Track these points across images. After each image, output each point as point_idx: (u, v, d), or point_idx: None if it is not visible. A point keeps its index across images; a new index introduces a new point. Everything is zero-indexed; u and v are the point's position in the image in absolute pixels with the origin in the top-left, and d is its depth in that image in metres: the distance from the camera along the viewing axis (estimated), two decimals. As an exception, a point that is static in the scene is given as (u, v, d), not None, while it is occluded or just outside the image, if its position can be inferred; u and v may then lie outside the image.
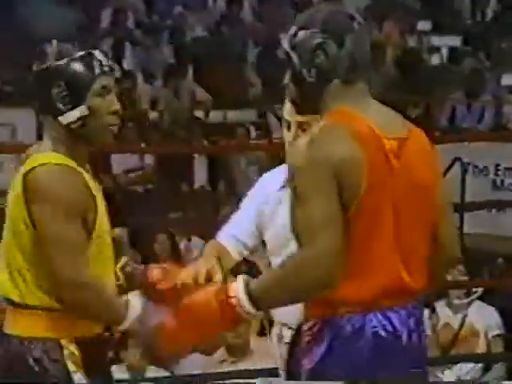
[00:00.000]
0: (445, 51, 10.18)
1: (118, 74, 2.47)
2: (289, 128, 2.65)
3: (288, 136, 2.65)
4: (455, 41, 10.30)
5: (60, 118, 2.37)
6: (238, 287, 2.09)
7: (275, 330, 2.90)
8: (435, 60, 10.10)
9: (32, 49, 9.36)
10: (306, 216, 2.06)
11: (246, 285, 2.08)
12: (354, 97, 2.15)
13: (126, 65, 9.55)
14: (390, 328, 2.15)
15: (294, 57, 2.15)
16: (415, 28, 10.47)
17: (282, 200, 2.62)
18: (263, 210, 2.78)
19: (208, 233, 6.67)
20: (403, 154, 2.12)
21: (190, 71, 9.52)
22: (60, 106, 2.36)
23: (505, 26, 10.30)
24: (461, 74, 9.36)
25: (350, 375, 2.12)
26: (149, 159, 8.19)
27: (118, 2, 10.40)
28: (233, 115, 9.11)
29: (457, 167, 6.11)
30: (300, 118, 2.55)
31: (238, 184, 8.10)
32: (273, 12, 10.71)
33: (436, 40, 10.36)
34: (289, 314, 2.58)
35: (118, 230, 6.83)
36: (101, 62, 2.42)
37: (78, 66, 2.39)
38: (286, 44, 2.18)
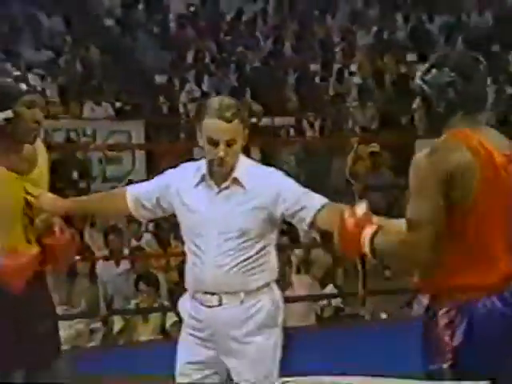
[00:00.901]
0: (427, 75, 10.10)
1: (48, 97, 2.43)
2: (216, 145, 2.23)
3: (216, 152, 2.22)
4: (434, 68, 10.22)
5: None
6: (368, 232, 1.89)
7: None
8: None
9: (142, 79, 9.48)
10: (417, 207, 1.84)
11: (374, 233, 1.89)
12: (472, 123, 1.91)
13: (204, 88, 9.56)
14: (508, 307, 1.91)
15: (426, 89, 1.91)
16: (405, 59, 10.42)
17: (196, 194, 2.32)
18: (170, 192, 2.36)
19: None
20: (510, 167, 1.90)
21: (248, 91, 9.53)
22: None
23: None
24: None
25: (488, 351, 1.89)
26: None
27: (197, 45, 10.40)
28: (278, 121, 9.03)
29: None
30: (228, 137, 2.22)
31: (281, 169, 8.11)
32: (306, 48, 10.72)
33: (420, 67, 10.25)
34: None
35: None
36: (30, 84, 2.36)
37: (9, 82, 2.34)
38: (418, 77, 1.95)
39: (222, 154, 2.21)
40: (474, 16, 11.68)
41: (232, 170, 2.28)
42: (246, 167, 2.31)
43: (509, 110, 9.00)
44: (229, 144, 2.24)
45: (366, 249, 1.90)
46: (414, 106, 1.97)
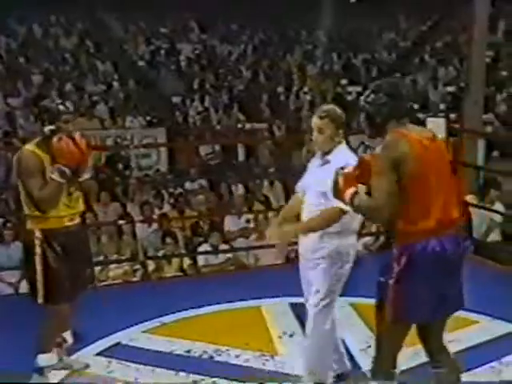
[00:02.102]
0: (354, 93, 10.05)
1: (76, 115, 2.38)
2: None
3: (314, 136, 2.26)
4: (359, 88, 10.16)
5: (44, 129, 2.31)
6: (349, 192, 1.90)
7: None
8: (349, 98, 9.97)
9: (164, 100, 9.30)
10: (378, 183, 1.85)
11: (354, 193, 1.90)
12: (402, 124, 1.90)
13: (206, 104, 9.35)
14: (442, 247, 1.86)
15: (368, 108, 1.91)
16: (340, 83, 10.31)
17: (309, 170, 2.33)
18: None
19: (246, 181, 6.71)
20: (431, 146, 1.89)
21: (236, 107, 9.32)
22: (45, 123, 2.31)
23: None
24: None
25: (422, 280, 1.85)
26: (217, 148, 8.03)
27: (200, 76, 10.17)
28: (256, 126, 8.83)
29: (361, 148, 6.05)
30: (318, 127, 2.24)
31: (260, 158, 7.97)
32: (274, 76, 10.54)
33: (350, 88, 10.20)
34: None
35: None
36: (67, 107, 2.31)
37: (54, 106, 2.33)
38: (362, 100, 1.94)
39: (313, 137, 2.26)
40: (383, 54, 11.62)
41: (328, 152, 2.25)
42: (337, 153, 2.25)
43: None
44: (319, 132, 2.25)
45: (348, 202, 1.92)
46: (361, 119, 1.96)
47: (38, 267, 2.29)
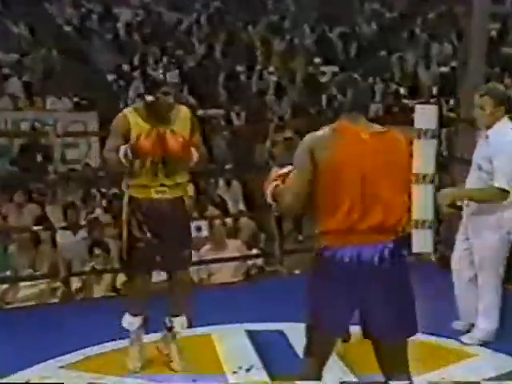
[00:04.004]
0: (329, 74, 10.15)
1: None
2: None
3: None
4: (335, 68, 10.26)
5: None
6: (273, 185, 2.09)
7: None
8: (324, 79, 10.06)
9: (96, 77, 9.18)
10: (290, 180, 2.05)
11: (276, 186, 2.09)
12: (352, 118, 2.09)
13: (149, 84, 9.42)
14: (355, 257, 1.97)
15: (324, 101, 2.21)
16: (313, 61, 10.40)
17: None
18: None
19: (196, 178, 6.66)
20: (375, 140, 2.04)
21: (186, 88, 9.30)
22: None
23: (361, 60, 10.33)
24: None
25: (326, 290, 1.98)
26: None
27: (143, 49, 10.18)
28: (210, 112, 8.84)
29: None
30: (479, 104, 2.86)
31: (214, 151, 7.99)
32: (233, 52, 10.53)
33: (324, 68, 10.31)
34: None
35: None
36: (165, 78, 2.84)
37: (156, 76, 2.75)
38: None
39: (474, 113, 2.85)
40: (363, 27, 11.78)
41: (489, 128, 2.84)
42: (496, 129, 2.82)
43: (393, 103, 9.05)
44: (481, 109, 2.83)
45: (268, 197, 2.09)
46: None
47: (123, 231, 2.72)
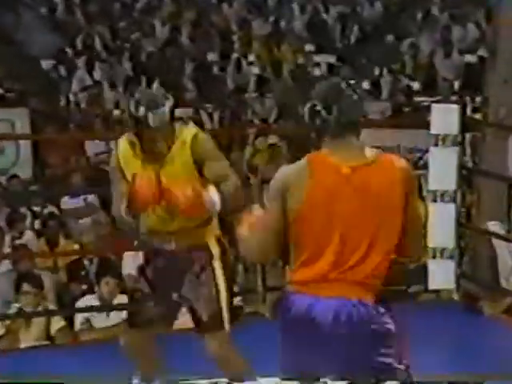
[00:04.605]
0: (324, 66, 10.22)
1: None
2: None
3: None
4: (331, 58, 10.33)
5: None
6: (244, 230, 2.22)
7: None
8: (317, 72, 10.12)
9: (28, 64, 9.13)
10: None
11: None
12: (335, 144, 2.13)
13: (95, 76, 9.37)
14: (311, 311, 2.11)
15: (306, 118, 2.18)
16: (303, 49, 10.45)
17: None
18: None
19: None
20: (358, 176, 2.10)
21: (144, 81, 9.31)
22: None
23: (363, 49, 10.42)
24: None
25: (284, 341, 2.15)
26: (114, 145, 8.02)
27: (88, 30, 10.21)
28: (175, 112, 8.94)
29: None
30: None
31: None
32: (203, 37, 10.57)
33: (318, 58, 10.38)
34: None
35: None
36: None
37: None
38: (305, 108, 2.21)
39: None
40: (366, 7, 11.90)
41: None
42: None
43: (404, 101, 9.12)
44: None
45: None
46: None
47: None
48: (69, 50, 9.73)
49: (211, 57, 10.21)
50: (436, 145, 4.39)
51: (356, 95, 2.18)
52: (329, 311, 2.09)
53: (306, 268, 2.12)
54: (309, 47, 10.54)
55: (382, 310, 2.12)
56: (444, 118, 4.38)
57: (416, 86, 9.63)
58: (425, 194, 4.92)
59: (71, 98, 8.92)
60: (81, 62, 9.45)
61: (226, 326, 2.82)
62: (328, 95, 2.14)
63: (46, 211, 6.21)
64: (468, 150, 5.80)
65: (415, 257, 2.33)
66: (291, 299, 2.14)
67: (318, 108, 2.12)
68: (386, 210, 2.11)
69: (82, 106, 8.82)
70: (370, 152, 2.16)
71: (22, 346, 4.26)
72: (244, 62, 10.05)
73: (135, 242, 5.40)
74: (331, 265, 2.10)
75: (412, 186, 2.17)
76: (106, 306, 4.49)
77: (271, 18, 11.14)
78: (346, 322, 2.08)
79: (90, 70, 9.38)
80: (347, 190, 2.09)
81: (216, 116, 8.77)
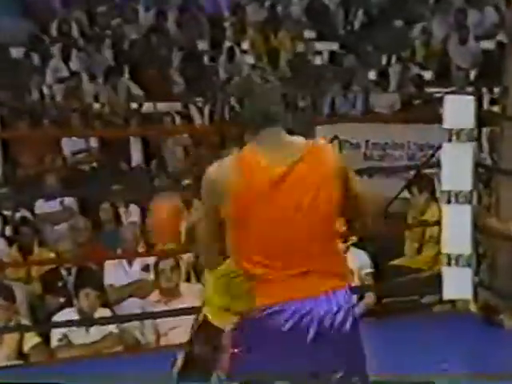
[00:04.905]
0: (326, 54, 10.24)
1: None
2: None
3: None
4: (334, 46, 10.35)
5: None
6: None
7: None
8: (318, 61, 10.14)
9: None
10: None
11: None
12: (259, 140, 2.25)
13: (72, 66, 9.36)
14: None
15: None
16: (302, 36, 10.48)
17: None
18: None
19: (143, 201, 6.71)
20: (290, 178, 2.21)
21: (126, 71, 9.34)
22: None
23: (369, 35, 10.43)
24: (338, 71, 9.49)
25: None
26: (94, 143, 8.04)
27: (64, 14, 10.21)
28: (162, 106, 8.91)
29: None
30: None
31: (167, 161, 8.11)
32: (192, 23, 10.57)
33: (319, 46, 10.40)
34: None
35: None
36: None
37: None
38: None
39: None
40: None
41: None
42: None
43: (414, 92, 9.15)
44: None
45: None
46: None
47: None
48: (42, 37, 9.72)
49: (201, 45, 10.21)
50: (450, 140, 4.41)
51: (270, 85, 2.31)
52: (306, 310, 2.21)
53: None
54: (308, 34, 10.54)
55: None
56: (458, 110, 4.40)
57: (428, 75, 9.64)
58: (438, 195, 4.95)
59: (45, 90, 8.90)
60: (56, 50, 9.42)
61: None
62: (239, 89, 2.29)
63: (17, 216, 6.22)
64: (485, 146, 5.85)
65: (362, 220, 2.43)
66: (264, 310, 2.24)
67: (232, 103, 2.26)
68: (320, 208, 2.22)
69: (58, 99, 8.79)
70: (298, 145, 2.26)
71: (-7, 365, 4.27)
72: (237, 51, 10.05)
73: (118, 250, 5.49)
74: (278, 264, 2.22)
75: (346, 173, 2.28)
76: (86, 321, 4.49)
77: (267, 3, 11.13)
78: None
79: (66, 60, 9.35)
80: (277, 192, 2.20)
81: (206, 111, 8.79)
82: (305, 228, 2.21)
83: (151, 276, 5.08)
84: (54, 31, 9.93)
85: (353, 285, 2.30)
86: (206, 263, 2.43)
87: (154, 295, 4.90)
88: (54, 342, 4.47)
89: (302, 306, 2.20)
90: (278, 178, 2.20)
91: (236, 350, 2.29)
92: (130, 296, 5.04)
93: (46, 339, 4.49)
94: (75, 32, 9.95)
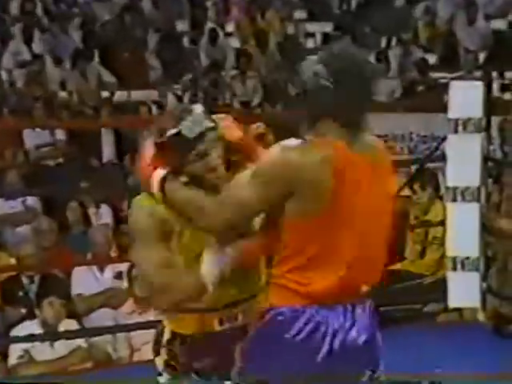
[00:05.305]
0: (319, 36, 10.25)
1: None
2: None
3: None
4: (327, 27, 10.37)
5: None
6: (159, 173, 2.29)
7: None
8: (310, 44, 10.15)
9: None
10: (241, 187, 2.20)
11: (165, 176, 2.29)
12: (342, 132, 2.15)
13: (35, 49, 9.31)
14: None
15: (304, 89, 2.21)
16: (292, 17, 10.50)
17: None
18: None
19: (115, 201, 6.70)
20: (371, 166, 2.19)
21: (97, 55, 9.34)
22: None
23: (367, 15, 10.45)
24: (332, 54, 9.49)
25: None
26: (60, 135, 8.04)
27: None
28: (136, 94, 8.93)
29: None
30: None
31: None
32: (170, 2, 10.58)
33: (310, 27, 10.42)
34: None
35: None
36: None
37: None
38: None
39: None
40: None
41: None
42: None
43: (417, 78, 9.16)
44: None
45: (155, 189, 2.24)
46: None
47: None
48: (2, 16, 9.68)
49: (180, 26, 10.23)
50: (456, 131, 4.42)
51: (372, 66, 2.25)
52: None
53: (324, 272, 2.15)
54: (299, 14, 10.61)
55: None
56: (466, 98, 4.41)
57: (432, 59, 9.67)
58: (442, 192, 4.95)
59: (4, 75, 8.89)
60: (16, 30, 9.39)
61: None
62: (342, 68, 2.15)
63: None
64: (495, 138, 5.85)
65: None
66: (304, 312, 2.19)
67: (326, 81, 2.11)
68: (389, 199, 2.23)
69: (19, 85, 8.77)
70: (370, 139, 2.23)
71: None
72: (221, 33, 10.08)
73: (88, 255, 5.47)
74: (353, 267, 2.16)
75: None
76: (51, 334, 4.48)
77: (253, -21, 11.24)
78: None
79: (28, 41, 9.30)
80: (364, 180, 2.13)
81: (186, 99, 8.80)
82: (377, 228, 2.19)
83: (124, 284, 5.10)
84: (14, 9, 9.92)
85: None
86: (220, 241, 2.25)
87: (128, 305, 4.92)
88: (13, 359, 4.46)
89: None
90: (372, 170, 2.14)
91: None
92: (101, 306, 5.04)
93: (4, 356, 4.49)
94: (39, 10, 9.94)
